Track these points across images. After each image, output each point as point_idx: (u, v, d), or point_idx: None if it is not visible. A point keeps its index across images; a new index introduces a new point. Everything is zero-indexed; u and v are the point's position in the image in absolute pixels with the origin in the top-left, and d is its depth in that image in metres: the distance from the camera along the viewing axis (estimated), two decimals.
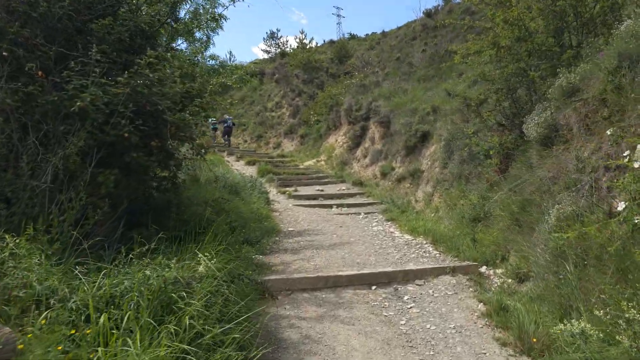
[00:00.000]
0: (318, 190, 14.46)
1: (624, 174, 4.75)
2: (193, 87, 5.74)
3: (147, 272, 3.38)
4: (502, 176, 8.55)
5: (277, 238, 8.38)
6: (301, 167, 19.22)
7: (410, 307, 5.40)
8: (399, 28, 30.11)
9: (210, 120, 24.90)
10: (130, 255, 3.70)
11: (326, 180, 16.23)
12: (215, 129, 24.65)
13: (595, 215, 4.95)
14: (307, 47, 29.74)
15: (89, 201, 4.08)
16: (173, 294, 3.29)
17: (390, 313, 5.23)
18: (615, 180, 4.59)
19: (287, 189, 14.52)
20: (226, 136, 24.34)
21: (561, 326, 3.32)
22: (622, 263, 4.10)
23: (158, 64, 4.81)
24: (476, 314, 5.17)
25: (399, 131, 15.37)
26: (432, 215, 10.94)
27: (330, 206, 12.21)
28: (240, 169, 18.84)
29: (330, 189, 14.63)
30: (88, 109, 3.94)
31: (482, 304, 5.41)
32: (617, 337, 3.18)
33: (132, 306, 3.04)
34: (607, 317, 3.25)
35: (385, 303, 5.52)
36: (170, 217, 5.64)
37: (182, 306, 3.24)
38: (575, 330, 3.16)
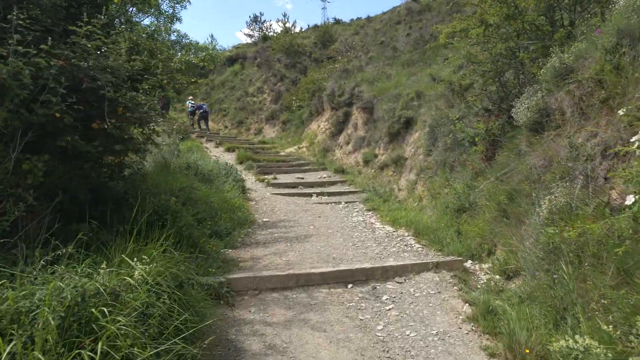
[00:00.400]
0: (298, 178, 13.91)
1: (626, 162, 4.27)
2: (149, 63, 5.13)
3: (62, 282, 2.78)
4: (488, 164, 8.07)
5: (249, 230, 7.84)
6: (282, 154, 18.64)
7: (389, 309, 4.90)
8: (384, 13, 29.47)
9: (187, 103, 24.14)
10: (46, 259, 3.06)
11: (307, 167, 15.68)
12: (192, 113, 23.88)
13: (592, 208, 4.47)
14: (290, 31, 28.93)
15: (12, 193, 3.49)
16: (94, 309, 2.71)
17: (367, 316, 4.73)
18: (616, 169, 4.11)
19: (266, 176, 13.95)
20: (203, 121, 23.62)
21: (562, 342, 2.83)
22: (625, 262, 3.63)
23: (103, 35, 4.20)
24: (461, 317, 4.68)
25: (382, 117, 14.85)
26: (415, 204, 10.48)
27: (310, 195, 11.68)
28: (219, 155, 18.19)
29: (311, 177, 14.09)
30: (7, 83, 3.32)
31: (467, 305, 4.92)
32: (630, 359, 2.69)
33: (40, 326, 2.47)
34: (617, 332, 2.77)
35: (362, 304, 5.02)
36: (124, 210, 5.04)
37: (105, 323, 2.68)
38: (577, 348, 2.68)
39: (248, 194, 10.78)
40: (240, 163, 16.33)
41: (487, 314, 4.44)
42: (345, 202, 10.71)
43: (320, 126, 19.23)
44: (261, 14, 37.74)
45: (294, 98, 22.68)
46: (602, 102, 4.93)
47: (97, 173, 4.77)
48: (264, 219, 8.68)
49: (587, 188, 4.74)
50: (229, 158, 17.60)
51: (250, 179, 13.80)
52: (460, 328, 4.43)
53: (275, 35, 29.34)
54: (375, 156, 14.32)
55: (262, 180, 13.42)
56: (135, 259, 3.29)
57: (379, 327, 4.46)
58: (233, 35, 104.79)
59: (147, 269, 3.17)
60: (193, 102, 24.24)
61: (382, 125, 14.81)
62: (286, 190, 12.10)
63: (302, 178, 13.79)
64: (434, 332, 4.37)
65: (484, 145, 8.16)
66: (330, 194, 11.71)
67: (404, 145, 13.17)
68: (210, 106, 27.95)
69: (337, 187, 12.83)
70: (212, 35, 42.17)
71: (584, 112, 5.34)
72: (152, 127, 5.43)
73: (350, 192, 11.95)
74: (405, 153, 12.78)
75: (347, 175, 14.07)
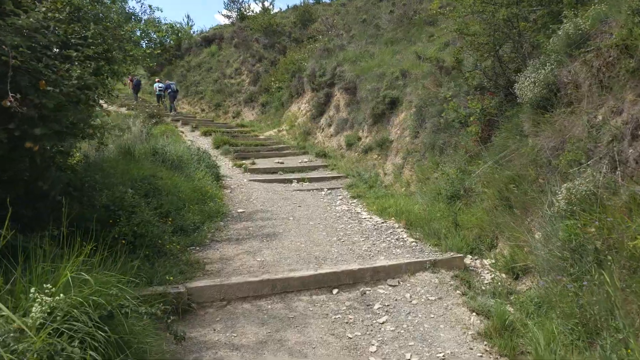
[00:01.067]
0: (278, 162, 13.06)
1: None
2: (93, 30, 4.22)
3: None
4: (484, 147, 7.33)
5: (221, 223, 7.00)
6: (261, 137, 17.73)
7: (383, 322, 4.13)
8: None
9: (155, 85, 23.01)
10: None
11: (287, 151, 14.82)
12: (160, 96, 22.77)
13: (624, 198, 3.74)
14: (269, 10, 27.72)
15: None
16: None
17: (357, 333, 3.95)
18: None
19: (244, 161, 13.07)
20: (172, 102, 22.62)
21: None
22: None
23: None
24: (470, 332, 3.93)
25: (365, 98, 14.04)
26: (403, 189, 9.74)
27: (290, 181, 10.86)
28: (195, 140, 17.22)
29: (291, 162, 13.25)
30: None
31: (475, 314, 4.18)
32: None
33: None
34: None
35: (350, 316, 4.25)
36: (65, 205, 4.17)
37: None
38: None
39: (223, 182, 9.91)
40: (217, 148, 15.40)
41: (502, 330, 3.70)
42: (328, 189, 9.93)
43: (300, 108, 18.35)
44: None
45: (272, 79, 21.70)
46: (631, 72, 4.17)
47: (25, 163, 3.89)
48: (239, 210, 7.84)
49: (614, 174, 4.00)
50: (205, 142, 16.65)
51: (226, 165, 12.91)
52: (471, 348, 3.66)
53: (253, 14, 28.09)
54: (359, 139, 13.54)
55: (240, 166, 12.55)
56: (48, 283, 2.45)
57: (372, 349, 3.67)
58: (212, 17, 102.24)
59: (53, 301, 2.33)
60: (161, 83, 23.12)
61: (365, 107, 14.01)
62: (265, 177, 11.26)
63: (282, 163, 12.95)
64: (441, 354, 3.58)
65: (478, 126, 7.41)
66: (311, 180, 10.91)
67: (389, 127, 12.40)
68: (186, 88, 26.82)
69: (319, 172, 12.02)
70: (188, 16, 40.55)
71: (605, 85, 4.58)
72: (92, 106, 4.51)
73: (333, 178, 11.16)
74: (390, 135, 12.01)
75: (329, 159, 13.27)
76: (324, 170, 12.12)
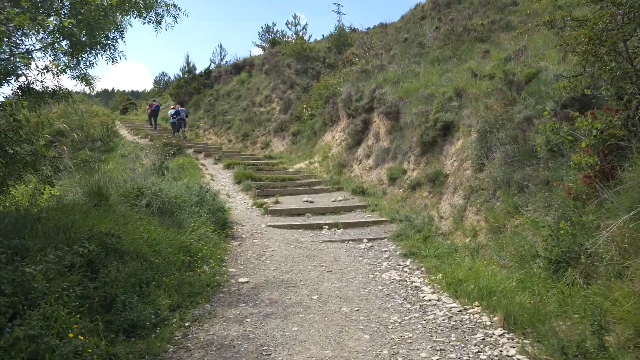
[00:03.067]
0: (306, 201, 10.89)
1: None
2: None
3: None
4: (603, 185, 4.91)
5: (207, 307, 4.73)
6: (290, 170, 15.66)
7: None
8: (402, 16, 26.31)
9: (170, 112, 21.45)
10: None
11: (318, 187, 12.65)
12: (174, 124, 21.28)
13: None
14: (302, 35, 25.98)
15: None
16: None
17: None
18: None
19: (266, 200, 10.96)
20: (180, 129, 21.38)
21: None
22: None
23: None
24: None
25: (411, 123, 11.83)
26: (468, 240, 7.35)
27: (320, 227, 8.63)
28: (216, 173, 15.32)
29: (323, 200, 11.05)
30: None
31: None
32: None
33: None
34: None
35: None
36: None
37: None
38: None
39: (232, 229, 7.76)
40: (238, 183, 13.41)
41: None
42: (369, 240, 7.65)
43: (335, 137, 16.23)
44: (274, 24, 34.99)
45: (304, 106, 19.76)
46: None
47: None
48: (242, 279, 5.57)
49: None
50: (227, 177, 14.73)
51: (244, 204, 10.81)
52: None
53: (285, 39, 26.45)
54: (404, 172, 11.25)
55: (260, 206, 10.43)
56: None
57: None
58: (247, 50, 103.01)
59: None
60: (174, 108, 21.75)
61: (411, 134, 11.79)
62: (288, 221, 9.09)
63: (312, 202, 10.76)
64: None
65: (594, 155, 5.00)
66: (347, 226, 8.65)
67: (442, 158, 10.10)
68: (213, 118, 25.23)
69: (356, 214, 9.75)
70: (221, 46, 39.36)
71: None
72: None
73: (374, 223, 8.87)
74: (445, 168, 9.70)
75: (368, 197, 10.99)
76: (362, 212, 9.83)
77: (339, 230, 8.33)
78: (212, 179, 14.40)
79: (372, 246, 7.25)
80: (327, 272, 5.94)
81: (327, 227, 8.54)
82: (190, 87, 28.29)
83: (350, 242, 7.55)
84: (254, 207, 10.53)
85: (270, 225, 8.56)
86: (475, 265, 5.57)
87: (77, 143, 19.07)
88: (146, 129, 24.24)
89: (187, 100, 28.32)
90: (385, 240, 7.59)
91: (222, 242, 6.70)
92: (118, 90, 75.06)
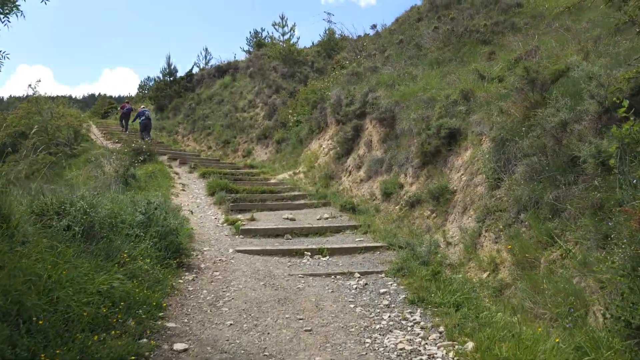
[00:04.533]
0: (287, 219, 9.30)
1: None
2: None
3: None
4: None
5: None
6: (272, 181, 14.09)
7: None
8: (397, 19, 24.82)
9: (142, 111, 19.83)
10: None
11: (302, 201, 11.08)
12: (140, 125, 19.51)
13: None
14: (288, 36, 24.41)
15: None
16: None
17: None
18: None
19: (240, 216, 9.37)
20: (144, 133, 19.37)
21: None
22: None
23: None
24: None
25: (408, 131, 10.39)
26: (485, 275, 5.82)
27: (302, 253, 7.03)
28: (189, 183, 13.71)
29: (307, 218, 9.47)
30: None
31: None
32: None
33: None
34: None
35: None
36: None
37: None
38: None
39: (189, 257, 6.12)
40: (212, 194, 11.81)
41: None
42: (361, 274, 6.06)
43: (322, 146, 14.71)
44: (262, 30, 33.18)
45: (290, 112, 18.26)
46: None
47: None
48: (178, 345, 3.86)
49: None
50: (201, 187, 13.10)
51: (214, 221, 9.20)
52: None
53: (271, 41, 24.82)
54: (401, 187, 9.76)
55: (232, 223, 8.83)
56: None
57: None
58: (233, 53, 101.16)
59: None
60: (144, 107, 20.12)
61: (408, 142, 10.33)
62: (263, 244, 7.50)
63: (293, 220, 9.18)
64: None
65: None
66: (334, 252, 7.07)
67: (447, 171, 8.63)
68: (193, 123, 23.56)
69: (345, 236, 8.18)
70: (206, 49, 37.76)
71: None
72: None
73: (366, 249, 7.29)
74: (451, 183, 8.21)
75: (359, 215, 9.43)
76: (352, 235, 8.24)
77: (324, 259, 6.75)
78: (184, 189, 12.79)
79: (366, 284, 5.63)
80: (306, 330, 4.30)
81: (309, 253, 6.94)
82: (171, 90, 26.64)
83: (338, 276, 5.95)
84: (224, 224, 8.91)
85: (239, 251, 6.95)
86: (520, 330, 3.96)
87: (37, 146, 17.31)
88: (120, 132, 22.55)
89: (166, 104, 26.69)
90: (383, 275, 5.98)
91: (169, 276, 5.06)
92: (103, 95, 73.04)
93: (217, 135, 21.60)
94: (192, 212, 8.97)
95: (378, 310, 4.79)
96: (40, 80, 19.33)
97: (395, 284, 5.53)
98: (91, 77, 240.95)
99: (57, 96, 38.90)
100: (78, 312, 3.41)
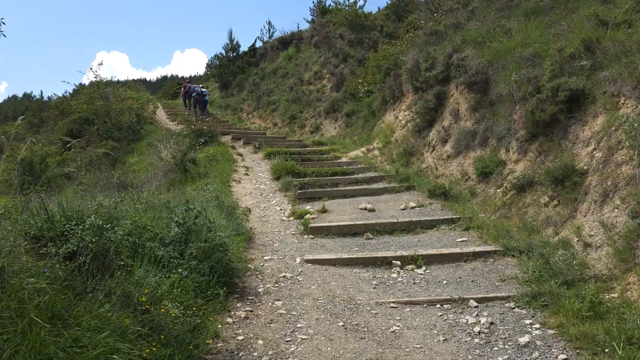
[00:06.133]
0: (365, 208, 7.77)
1: None
2: None
3: None
4: None
5: None
6: (343, 160, 12.62)
7: None
8: None
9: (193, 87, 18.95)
10: None
11: (380, 185, 9.51)
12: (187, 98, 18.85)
13: None
14: (355, 2, 22.37)
15: None
16: None
17: None
18: None
19: (309, 207, 8.00)
20: (199, 110, 18.85)
21: None
22: None
23: None
24: None
25: (507, 96, 8.54)
26: None
27: (389, 262, 5.47)
28: (253, 165, 12.50)
29: (388, 207, 7.91)
30: None
31: None
32: None
33: None
34: None
35: None
36: None
37: None
38: None
39: (244, 276, 4.73)
40: (277, 179, 10.51)
41: None
42: (478, 302, 4.36)
43: (398, 117, 12.96)
44: (327, 5, 30.81)
45: (360, 81, 16.55)
46: None
47: None
48: None
49: None
50: (266, 169, 11.84)
51: (280, 213, 7.88)
52: None
53: (335, 6, 22.90)
54: (502, 164, 7.98)
55: (300, 216, 7.45)
56: None
57: None
58: (296, 23, 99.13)
59: None
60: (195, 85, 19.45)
61: (508, 110, 8.50)
62: (338, 247, 6.06)
63: (372, 210, 7.64)
64: None
65: None
66: (431, 260, 5.45)
67: (569, 145, 6.74)
68: (257, 100, 22.35)
69: (441, 234, 6.52)
70: (269, 22, 36.34)
71: None
72: None
73: (475, 255, 5.55)
74: (578, 160, 6.34)
75: (452, 202, 7.72)
76: (450, 231, 6.54)
77: (420, 271, 5.16)
78: (247, 173, 11.58)
79: (492, 324, 3.88)
80: None
81: (399, 263, 5.36)
82: (234, 67, 25.53)
83: (445, 306, 4.30)
84: (291, 218, 7.54)
85: (309, 261, 5.50)
86: None
87: (102, 132, 16.77)
88: (184, 113, 21.81)
89: (230, 80, 25.66)
90: (512, 305, 4.21)
91: (211, 318, 3.66)
92: (174, 76, 74.05)
93: (282, 111, 20.28)
94: (249, 211, 7.62)
95: None
96: (102, 63, 18.76)
97: (537, 324, 3.82)
98: (164, 61, 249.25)
99: (128, 80, 39.22)
100: None
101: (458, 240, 6.00)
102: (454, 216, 6.86)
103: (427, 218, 6.84)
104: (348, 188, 9.25)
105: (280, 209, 8.23)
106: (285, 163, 10.99)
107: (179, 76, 69.25)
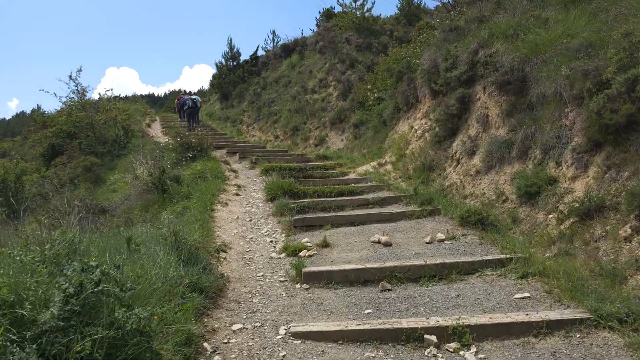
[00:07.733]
0: (378, 242, 5.98)
1: None
2: None
3: None
4: None
5: None
6: (351, 176, 10.87)
7: None
8: None
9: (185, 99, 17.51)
10: None
11: (396, 208, 7.73)
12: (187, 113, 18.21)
13: None
14: (361, 1, 20.70)
15: None
16: None
17: None
18: None
19: (306, 239, 6.23)
20: (191, 121, 18.25)
21: None
22: None
23: None
24: None
25: (554, 95, 6.81)
26: None
27: (418, 338, 3.61)
28: (247, 183, 10.78)
29: (408, 239, 6.11)
30: None
31: None
32: None
33: None
34: None
35: None
36: None
37: None
38: None
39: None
40: (271, 200, 8.77)
41: None
42: None
43: (413, 127, 11.19)
44: (332, 8, 28.75)
45: (369, 87, 14.84)
46: None
47: None
48: None
49: None
50: (261, 188, 10.09)
51: (269, 246, 6.14)
52: None
53: (342, 9, 21.25)
54: (553, 182, 6.19)
55: (294, 253, 5.70)
56: None
57: None
58: (299, 29, 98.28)
59: None
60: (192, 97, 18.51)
61: (555, 113, 6.76)
62: (340, 311, 4.26)
63: (388, 245, 5.84)
64: None
65: None
66: (483, 335, 3.61)
67: None
68: (258, 110, 20.71)
69: (487, 284, 4.69)
70: (273, 32, 34.97)
71: None
72: None
73: (551, 327, 3.61)
74: None
75: (494, 232, 5.90)
76: (500, 279, 4.67)
77: (470, 356, 3.32)
78: (238, 193, 9.85)
79: None
80: None
81: (434, 339, 3.46)
82: (234, 76, 23.95)
83: None
84: (282, 255, 5.80)
85: (297, 335, 3.66)
86: None
87: (84, 146, 15.20)
88: (178, 126, 20.23)
89: (230, 91, 24.09)
90: None
91: None
92: (179, 90, 73.11)
93: (284, 122, 18.61)
94: (226, 248, 5.88)
95: None
96: (80, 70, 17.22)
97: None
98: (173, 77, 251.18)
99: (130, 95, 37.97)
100: None
101: (517, 296, 4.16)
102: (501, 256, 5.03)
103: (465, 259, 5.00)
104: (356, 212, 7.46)
105: (271, 241, 6.49)
106: (282, 182, 9.26)
107: (184, 90, 68.19)
